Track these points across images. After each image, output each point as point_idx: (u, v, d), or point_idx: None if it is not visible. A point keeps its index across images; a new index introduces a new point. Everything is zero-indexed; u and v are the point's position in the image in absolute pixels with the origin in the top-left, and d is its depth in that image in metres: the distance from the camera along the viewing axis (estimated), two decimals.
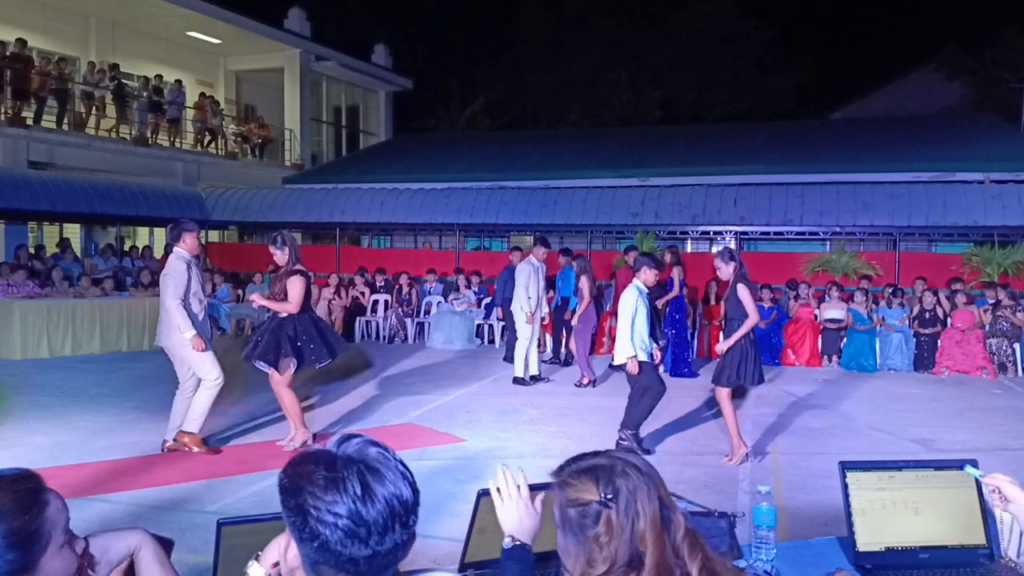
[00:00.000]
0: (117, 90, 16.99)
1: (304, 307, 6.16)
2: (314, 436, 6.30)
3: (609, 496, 1.31)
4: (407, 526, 1.19)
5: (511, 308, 9.66)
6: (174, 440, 6.03)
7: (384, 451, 1.22)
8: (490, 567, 1.99)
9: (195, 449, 5.95)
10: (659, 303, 10.37)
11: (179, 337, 5.89)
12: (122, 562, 1.48)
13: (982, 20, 27.90)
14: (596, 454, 1.39)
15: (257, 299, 6.29)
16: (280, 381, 6.11)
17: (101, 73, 17.13)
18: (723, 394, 5.97)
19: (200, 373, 5.98)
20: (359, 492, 1.14)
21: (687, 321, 10.86)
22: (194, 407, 5.99)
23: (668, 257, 10.08)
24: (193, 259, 6.06)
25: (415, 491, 1.21)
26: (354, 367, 9.91)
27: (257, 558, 1.34)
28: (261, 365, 6.17)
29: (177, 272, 5.87)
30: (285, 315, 6.09)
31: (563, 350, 10.98)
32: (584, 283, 9.46)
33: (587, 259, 10.13)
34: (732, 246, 13.78)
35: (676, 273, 10.05)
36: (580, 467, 1.37)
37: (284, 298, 6.05)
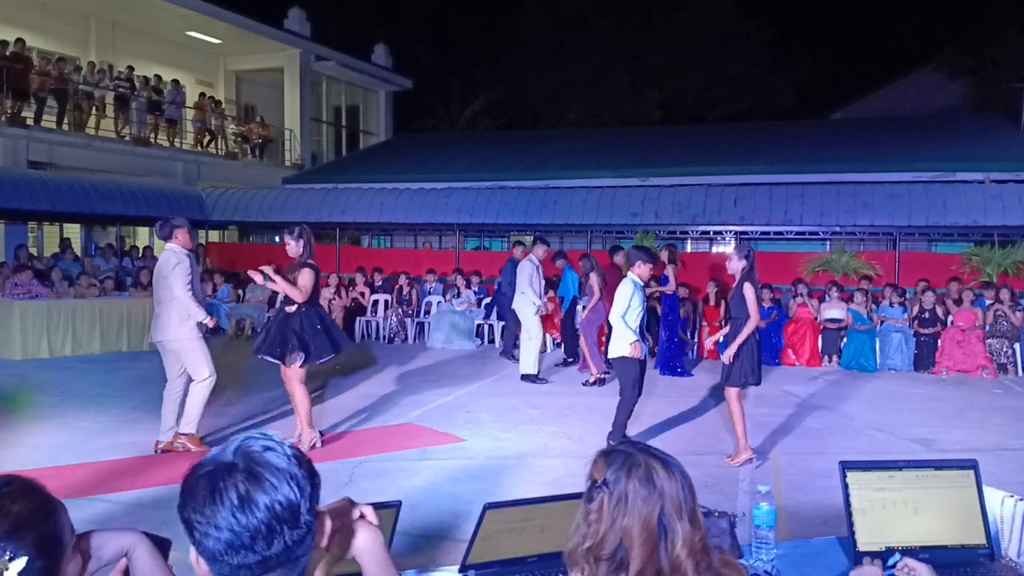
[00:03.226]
0: (116, 89, 17.00)
1: (311, 301, 6.18)
2: (321, 435, 6.32)
3: (606, 482, 1.38)
4: (296, 526, 1.18)
5: (515, 306, 9.71)
6: (169, 441, 6.02)
7: (275, 452, 1.20)
8: (491, 568, 2.01)
9: (193, 448, 5.92)
10: (649, 291, 10.41)
11: (176, 332, 5.89)
12: (112, 562, 1.48)
13: (982, 20, 27.92)
14: (636, 445, 1.44)
15: (268, 270, 6.07)
16: (292, 378, 6.12)
17: (101, 73, 17.15)
18: (732, 394, 5.93)
19: (193, 371, 5.98)
20: (236, 503, 1.14)
21: (682, 321, 10.86)
22: (189, 407, 5.98)
23: (664, 255, 10.12)
24: (189, 253, 6.06)
25: (303, 489, 1.19)
26: (354, 367, 9.91)
27: None
28: (268, 359, 6.19)
29: (181, 263, 5.88)
30: (293, 309, 6.09)
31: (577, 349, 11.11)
32: (594, 280, 9.53)
33: (593, 258, 10.15)
34: (732, 246, 13.79)
35: (671, 271, 10.08)
36: (615, 448, 1.44)
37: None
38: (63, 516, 1.31)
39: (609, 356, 6.51)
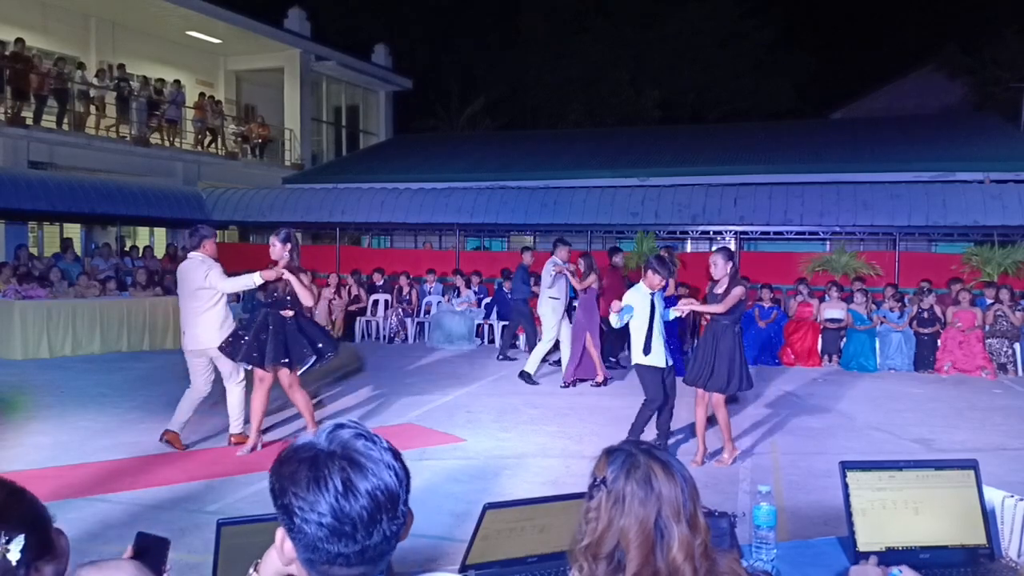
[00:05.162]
0: (117, 89, 17.00)
1: (296, 306, 6.19)
2: None
3: (605, 481, 1.37)
4: (395, 516, 1.18)
5: (539, 311, 9.68)
6: (240, 432, 6.26)
7: (370, 441, 1.20)
8: (491, 568, 2.01)
9: (177, 448, 6.12)
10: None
11: (221, 337, 6.04)
12: None
13: (982, 20, 27.90)
14: (639, 445, 1.43)
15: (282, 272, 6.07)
16: (293, 383, 6.14)
17: (103, 73, 17.14)
18: (719, 400, 5.99)
19: (231, 373, 6.23)
20: (340, 489, 1.14)
21: (683, 322, 10.85)
22: (233, 409, 6.27)
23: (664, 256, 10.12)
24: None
25: (400, 479, 1.20)
26: (354, 367, 9.91)
27: (256, 567, 1.32)
28: (281, 367, 6.10)
29: (213, 267, 6.02)
30: (291, 313, 6.06)
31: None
32: (592, 278, 9.52)
33: (592, 257, 10.10)
34: (732, 246, 13.78)
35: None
36: (617, 447, 1.43)
37: (284, 295, 6.02)
38: (31, 495, 1.32)
39: (632, 362, 6.48)
